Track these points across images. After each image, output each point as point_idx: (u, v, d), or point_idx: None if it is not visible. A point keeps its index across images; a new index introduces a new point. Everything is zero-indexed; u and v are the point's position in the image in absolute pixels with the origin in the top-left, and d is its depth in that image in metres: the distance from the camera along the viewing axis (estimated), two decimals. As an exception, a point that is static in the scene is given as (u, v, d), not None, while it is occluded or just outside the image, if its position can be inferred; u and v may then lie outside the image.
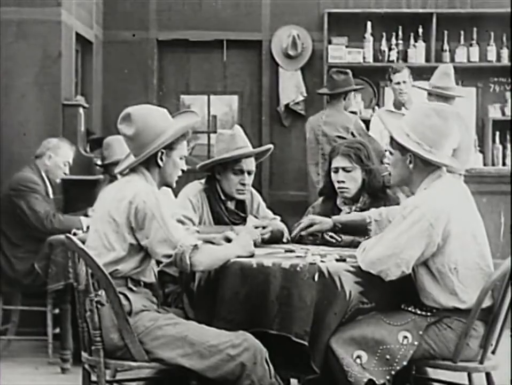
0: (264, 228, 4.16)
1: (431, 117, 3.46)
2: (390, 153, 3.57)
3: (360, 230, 3.91)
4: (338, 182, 4.26)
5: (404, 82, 6.63)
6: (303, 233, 3.96)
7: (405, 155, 3.49)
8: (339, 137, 6.25)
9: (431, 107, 3.52)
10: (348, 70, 6.55)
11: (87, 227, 5.41)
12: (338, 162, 4.25)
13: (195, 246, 3.39)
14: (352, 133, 6.22)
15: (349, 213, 4.28)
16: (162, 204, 3.42)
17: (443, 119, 3.45)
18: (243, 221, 4.30)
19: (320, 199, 4.52)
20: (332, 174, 4.30)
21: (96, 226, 3.50)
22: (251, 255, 3.59)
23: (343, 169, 4.24)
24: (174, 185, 3.66)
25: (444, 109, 3.51)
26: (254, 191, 4.45)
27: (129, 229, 3.41)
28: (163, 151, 3.52)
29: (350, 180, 4.24)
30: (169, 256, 3.39)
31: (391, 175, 3.63)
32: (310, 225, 3.97)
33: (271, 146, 4.45)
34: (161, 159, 3.53)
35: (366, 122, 6.71)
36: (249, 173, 4.24)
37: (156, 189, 3.54)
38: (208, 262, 3.45)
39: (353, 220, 3.97)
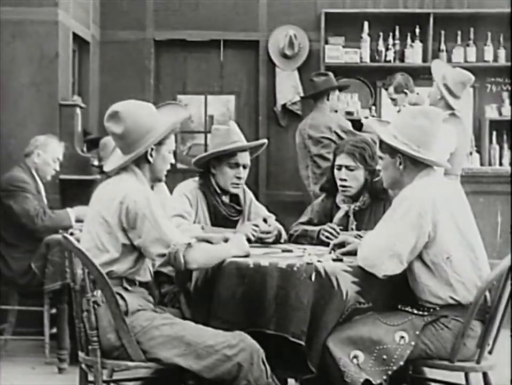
0: (268, 232, 4.19)
1: (417, 118, 3.53)
2: (381, 157, 3.62)
3: None
4: (340, 179, 4.26)
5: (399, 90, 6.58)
6: (337, 253, 3.80)
7: (395, 158, 3.55)
8: (324, 137, 6.29)
9: (417, 109, 3.62)
10: (328, 72, 6.59)
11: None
12: (342, 160, 4.25)
13: (189, 244, 3.39)
14: (336, 132, 6.24)
15: (347, 211, 4.29)
16: (153, 203, 3.41)
17: (429, 120, 3.52)
18: (239, 214, 4.35)
19: (320, 198, 4.52)
20: (335, 170, 4.30)
21: (88, 227, 3.49)
22: (247, 255, 3.60)
23: (347, 167, 4.24)
24: (164, 179, 3.65)
25: (430, 111, 3.60)
26: (246, 188, 4.47)
27: (121, 229, 3.40)
28: (153, 147, 3.51)
29: (352, 179, 4.24)
30: (163, 255, 3.38)
31: (383, 178, 3.67)
32: (342, 244, 3.86)
33: (265, 140, 4.48)
34: (151, 155, 3.52)
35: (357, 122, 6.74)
36: (244, 167, 4.28)
37: (148, 186, 3.53)
38: (202, 260, 3.45)
39: None
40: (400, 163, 3.54)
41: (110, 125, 3.50)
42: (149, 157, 3.51)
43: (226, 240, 3.77)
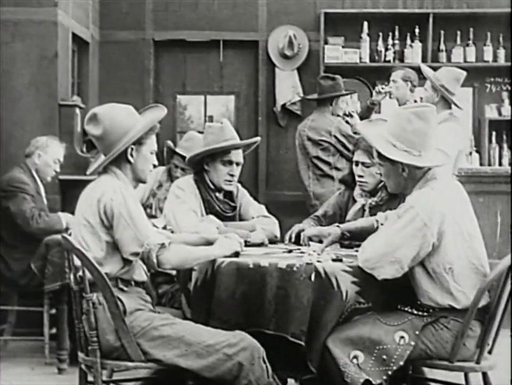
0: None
1: (412, 121, 3.45)
2: (380, 164, 3.57)
3: (369, 236, 3.69)
4: (358, 175, 4.29)
5: (394, 81, 6.55)
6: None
7: (396, 165, 3.49)
8: (322, 140, 6.31)
9: (411, 111, 3.49)
10: (337, 76, 6.53)
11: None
12: (359, 156, 4.28)
13: (162, 245, 3.39)
14: (335, 136, 6.26)
15: (364, 204, 4.29)
16: (130, 201, 3.42)
17: (424, 121, 3.46)
18: (233, 210, 4.38)
19: (337, 193, 4.57)
20: (354, 166, 4.33)
21: (74, 231, 3.52)
22: (237, 254, 3.59)
23: (363, 164, 4.25)
24: (147, 180, 3.67)
25: (424, 111, 3.49)
26: (239, 186, 4.51)
27: (104, 227, 3.42)
28: (133, 146, 3.52)
29: (368, 175, 4.25)
30: (137, 254, 3.40)
31: (387, 185, 3.64)
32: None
33: (258, 138, 4.52)
34: (131, 155, 3.53)
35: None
36: (237, 164, 4.32)
37: (129, 185, 3.54)
38: (176, 261, 3.45)
39: (361, 227, 3.90)
40: (403, 170, 3.48)
41: (90, 128, 3.54)
42: (129, 157, 3.52)
43: (210, 243, 3.72)
